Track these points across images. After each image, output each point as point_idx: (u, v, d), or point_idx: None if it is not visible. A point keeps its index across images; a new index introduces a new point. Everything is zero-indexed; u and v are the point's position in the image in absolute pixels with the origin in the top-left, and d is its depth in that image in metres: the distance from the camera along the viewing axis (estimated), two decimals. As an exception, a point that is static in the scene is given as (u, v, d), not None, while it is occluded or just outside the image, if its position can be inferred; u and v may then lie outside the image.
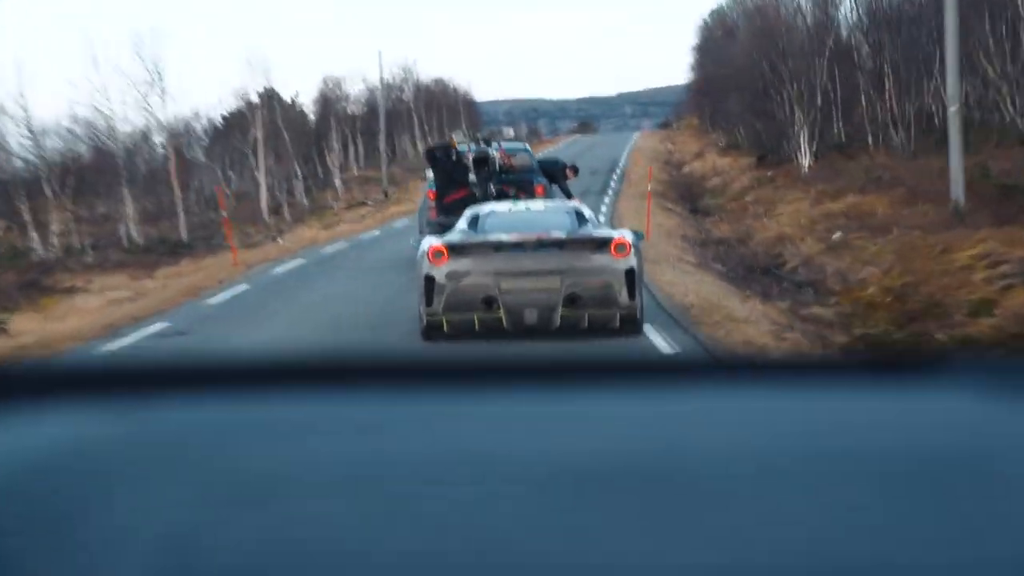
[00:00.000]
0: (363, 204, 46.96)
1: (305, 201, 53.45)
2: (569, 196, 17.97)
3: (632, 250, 10.91)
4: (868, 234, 19.05)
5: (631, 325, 10.93)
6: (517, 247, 10.88)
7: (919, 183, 23.61)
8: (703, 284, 15.62)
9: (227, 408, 1.04)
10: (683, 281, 15.70)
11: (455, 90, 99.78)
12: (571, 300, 10.74)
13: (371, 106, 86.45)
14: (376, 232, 31.53)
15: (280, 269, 21.07)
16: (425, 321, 10.97)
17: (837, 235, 19.89)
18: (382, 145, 50.95)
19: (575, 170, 20.54)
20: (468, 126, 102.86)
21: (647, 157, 58.28)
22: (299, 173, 53.67)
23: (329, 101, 68.48)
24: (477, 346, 10.59)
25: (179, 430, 0.99)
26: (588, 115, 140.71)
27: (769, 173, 38.08)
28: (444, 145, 19.14)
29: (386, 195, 49.74)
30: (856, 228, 20.21)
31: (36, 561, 0.78)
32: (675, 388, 1.09)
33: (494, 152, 18.39)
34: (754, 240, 23.33)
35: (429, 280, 10.81)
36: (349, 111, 77.59)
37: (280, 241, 35.48)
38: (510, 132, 26.14)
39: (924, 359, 1.13)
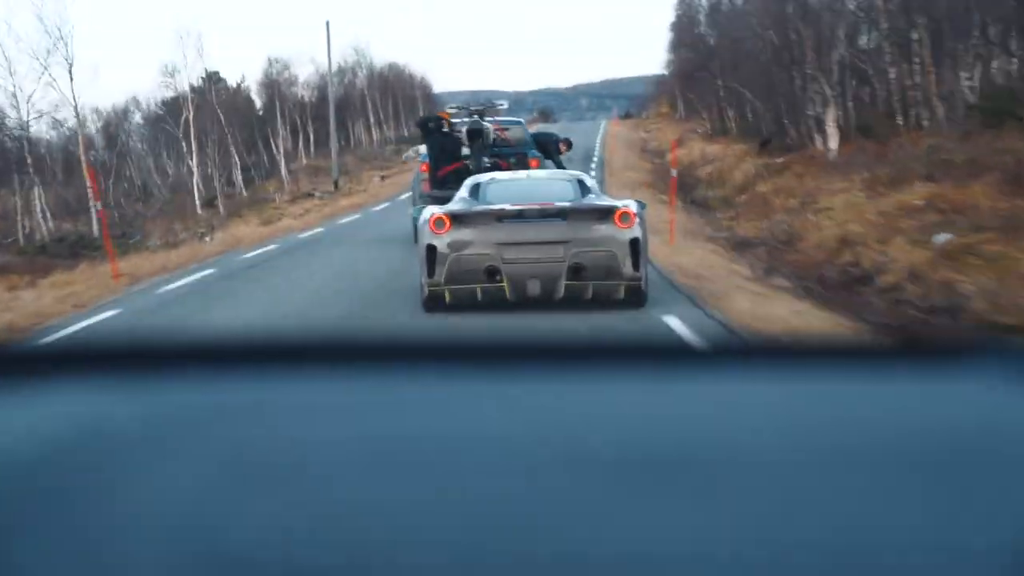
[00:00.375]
0: (310, 196, 41.03)
1: (246, 192, 47.46)
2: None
3: (637, 220, 10.55)
4: (997, 236, 13.45)
5: (635, 296, 10.58)
6: (520, 217, 10.52)
7: (1017, 166, 18.04)
8: (806, 317, 9.91)
9: (239, 387, 1.01)
10: (773, 314, 10.01)
11: (411, 76, 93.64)
12: (575, 271, 10.44)
13: (322, 91, 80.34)
14: (319, 229, 25.65)
15: (175, 285, 15.17)
16: (427, 292, 10.58)
17: (942, 237, 14.29)
18: (332, 131, 44.97)
19: (568, 144, 19.87)
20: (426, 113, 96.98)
21: (624, 145, 52.59)
22: (238, 162, 47.60)
23: (276, 85, 62.29)
24: (489, 323, 9.90)
25: (192, 408, 0.97)
26: (544, 107, 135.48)
27: (779, 160, 32.51)
28: (436, 117, 18.15)
29: (336, 186, 43.83)
30: (967, 228, 14.60)
31: (49, 539, 0.77)
32: (698, 372, 1.07)
33: (488, 125, 17.68)
34: (806, 242, 17.67)
35: (431, 250, 10.45)
36: (299, 95, 71.61)
37: (207, 240, 29.72)
38: (504, 105, 22.37)
39: (955, 346, 1.11)
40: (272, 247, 21.13)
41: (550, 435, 0.91)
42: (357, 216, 29.54)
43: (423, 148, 18.29)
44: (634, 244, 10.40)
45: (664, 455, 0.88)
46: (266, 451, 0.89)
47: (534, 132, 20.41)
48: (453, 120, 17.96)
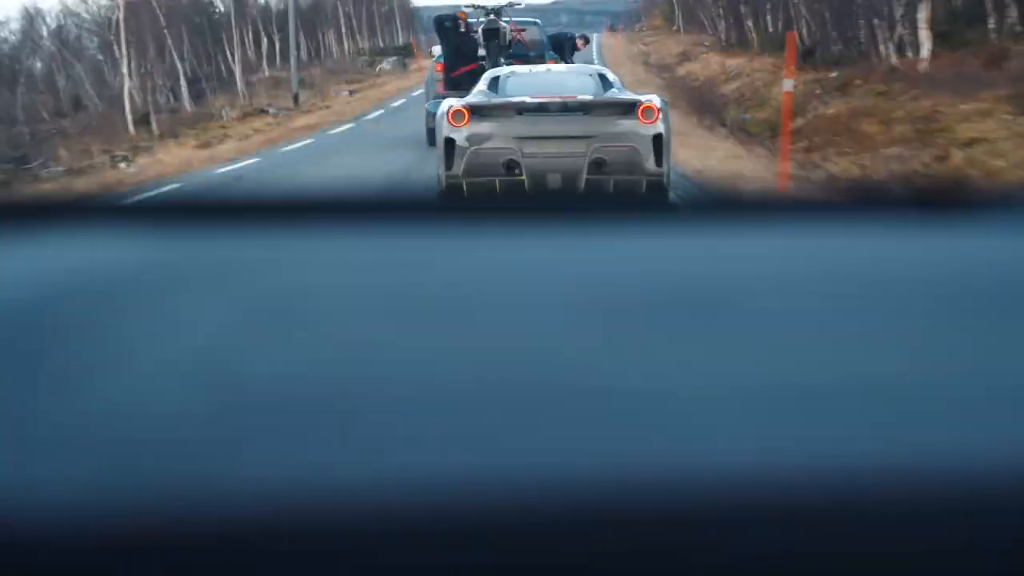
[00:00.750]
0: (264, 112, 34.42)
1: (194, 107, 40.91)
2: None
3: (660, 115, 10.05)
4: None
5: (658, 191, 10.14)
6: (540, 110, 10.12)
7: None
8: None
9: (251, 239, 1.03)
10: None
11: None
12: (596, 165, 10.07)
13: (289, -2, 73.19)
14: (254, 159, 19.31)
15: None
16: (444, 184, 10.21)
17: None
18: (292, 35, 38.23)
19: (585, 39, 19.26)
20: (404, 27, 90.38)
21: (626, 59, 45.98)
22: (185, 73, 40.85)
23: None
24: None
25: (204, 258, 0.99)
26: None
27: (833, 75, 26.17)
28: (453, 16, 17.53)
29: (296, 101, 37.23)
30: None
31: (63, 372, 0.77)
32: (695, 226, 1.09)
33: (504, 25, 17.23)
34: (973, 193, 11.43)
35: (449, 143, 10.06)
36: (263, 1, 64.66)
37: (125, 167, 23.50)
38: (520, 4, 19.77)
39: (971, 197, 1.10)
40: (178, 184, 14.80)
41: (553, 283, 0.93)
42: (310, 140, 23.17)
43: (437, 48, 18.15)
44: (657, 139, 10.05)
45: (667, 299, 0.88)
46: (284, 298, 0.88)
47: (549, 33, 19.05)
48: (470, 20, 17.31)
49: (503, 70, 11.59)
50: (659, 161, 10.01)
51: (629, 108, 10.07)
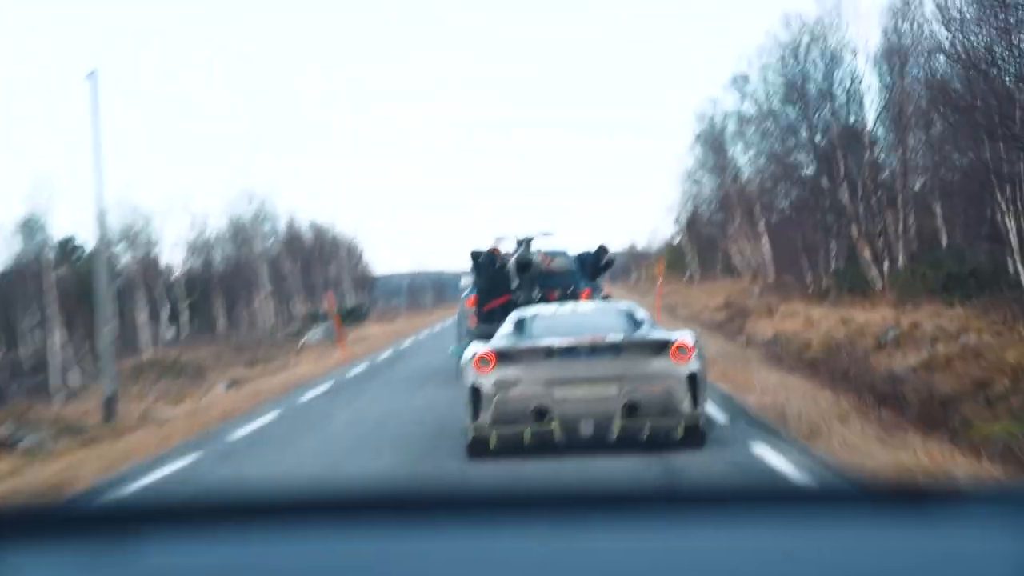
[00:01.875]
0: (12, 447, 17.59)
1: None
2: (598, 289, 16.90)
3: (694, 352, 9.72)
4: None
5: (694, 436, 9.64)
6: (569, 352, 9.72)
7: None
8: None
9: (230, 548, 0.92)
10: None
11: (334, 240, 70.75)
12: (630, 409, 9.62)
13: (203, 255, 57.61)
14: None
15: None
16: (471, 436, 9.74)
17: None
18: (99, 308, 21.73)
19: (605, 250, 18.23)
20: (361, 291, 75.05)
21: (665, 315, 29.68)
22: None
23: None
24: (539, 468, 8.52)
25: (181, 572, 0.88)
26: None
27: None
28: (489, 252, 17.35)
29: (109, 413, 20.40)
30: None
31: None
32: (804, 516, 0.92)
33: (536, 256, 17.22)
34: None
35: (475, 391, 9.67)
36: (162, 262, 49.29)
37: None
38: (552, 233, 17.88)
39: (952, 493, 0.94)
40: None
41: None
42: None
43: (464, 280, 17.91)
44: (692, 379, 9.50)
45: None
46: None
47: (576, 256, 18.30)
48: (504, 253, 17.13)
49: (529, 311, 11.09)
50: (695, 402, 9.49)
51: (661, 347, 9.63)
